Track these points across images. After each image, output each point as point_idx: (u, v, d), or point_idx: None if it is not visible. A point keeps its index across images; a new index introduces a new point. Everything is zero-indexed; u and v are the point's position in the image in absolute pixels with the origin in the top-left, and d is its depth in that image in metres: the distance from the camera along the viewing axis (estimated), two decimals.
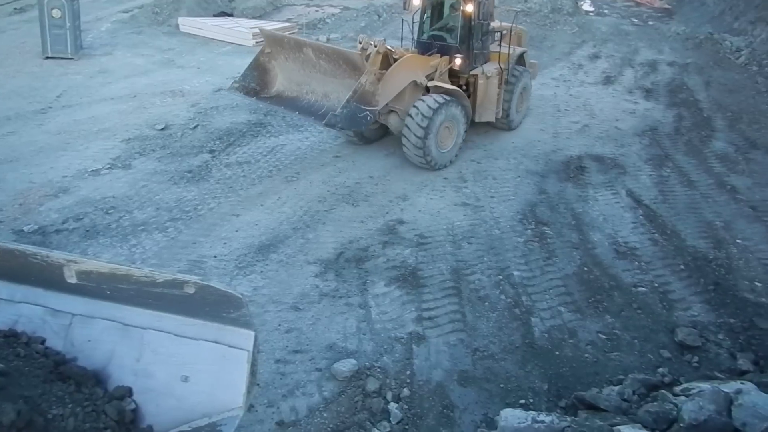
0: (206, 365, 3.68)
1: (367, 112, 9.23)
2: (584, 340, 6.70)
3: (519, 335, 6.71)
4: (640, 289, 7.60)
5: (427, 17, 11.52)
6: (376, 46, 9.79)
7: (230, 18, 21.77)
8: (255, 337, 3.74)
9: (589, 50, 19.96)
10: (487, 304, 7.19)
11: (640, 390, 5.87)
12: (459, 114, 10.61)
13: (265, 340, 6.37)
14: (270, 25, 20.30)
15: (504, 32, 11.96)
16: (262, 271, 7.54)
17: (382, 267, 7.78)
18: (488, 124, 12.01)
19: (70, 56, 15.66)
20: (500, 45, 11.72)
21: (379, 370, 6.06)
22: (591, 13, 25.80)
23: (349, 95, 8.89)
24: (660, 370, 6.21)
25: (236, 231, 8.39)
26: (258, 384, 5.74)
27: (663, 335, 6.81)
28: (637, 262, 8.15)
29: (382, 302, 7.09)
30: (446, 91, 10.55)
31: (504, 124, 12.33)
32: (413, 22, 11.46)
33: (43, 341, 3.67)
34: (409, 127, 10.01)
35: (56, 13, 15.27)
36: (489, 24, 11.60)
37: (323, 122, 8.78)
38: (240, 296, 3.61)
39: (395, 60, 10.08)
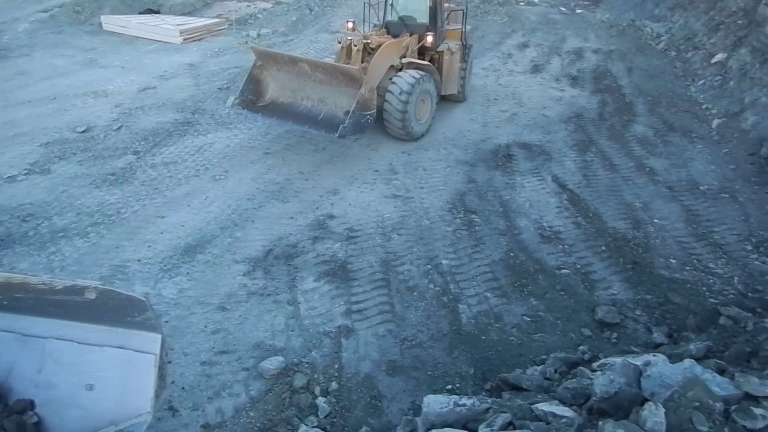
0: (112, 372, 3.61)
1: (368, 116, 10.18)
2: (510, 323, 6.87)
3: (447, 322, 6.82)
4: (564, 271, 7.83)
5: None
6: (356, 45, 11.15)
7: (157, 15, 21.19)
8: (162, 339, 3.69)
9: (519, 39, 20.35)
10: (415, 293, 7.27)
11: (561, 368, 6.08)
12: (432, 88, 11.62)
13: (190, 342, 6.29)
14: (199, 22, 19.91)
15: (462, 10, 13.35)
16: (188, 273, 7.40)
17: (312, 262, 7.77)
18: (442, 98, 12.90)
19: None
20: (463, 23, 13.30)
21: (307, 365, 6.06)
22: (521, 3, 26.29)
23: (354, 107, 9.76)
24: (581, 347, 6.44)
25: (161, 233, 8.21)
26: (183, 388, 5.69)
27: (584, 314, 7.05)
28: (560, 246, 8.40)
29: (311, 298, 7.08)
30: (419, 67, 11.55)
31: (461, 96, 13.68)
32: (371, 5, 12.37)
33: None
34: (390, 103, 10.89)
35: None
36: (446, 4, 12.92)
37: (337, 135, 9.61)
38: (143, 299, 3.55)
39: (372, 48, 11.24)
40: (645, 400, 4.82)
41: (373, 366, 6.14)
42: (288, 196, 9.36)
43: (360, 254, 8.00)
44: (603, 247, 8.35)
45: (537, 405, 4.92)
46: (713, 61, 15.60)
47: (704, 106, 13.85)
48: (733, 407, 4.38)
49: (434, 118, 12.15)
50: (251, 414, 5.47)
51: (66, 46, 17.16)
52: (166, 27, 18.67)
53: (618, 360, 5.33)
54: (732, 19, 16.44)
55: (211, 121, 12.18)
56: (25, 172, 9.70)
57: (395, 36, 11.97)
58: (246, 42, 11.16)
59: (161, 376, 3.64)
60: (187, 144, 11.08)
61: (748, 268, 7.84)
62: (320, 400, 5.63)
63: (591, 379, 5.35)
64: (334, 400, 5.70)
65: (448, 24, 13.15)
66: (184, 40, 18.27)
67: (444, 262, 7.91)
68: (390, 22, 12.46)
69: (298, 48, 18.10)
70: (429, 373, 6.11)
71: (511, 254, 8.17)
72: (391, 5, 12.48)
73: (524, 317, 6.98)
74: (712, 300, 7.08)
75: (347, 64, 11.13)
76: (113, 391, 3.55)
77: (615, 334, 6.73)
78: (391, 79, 11.07)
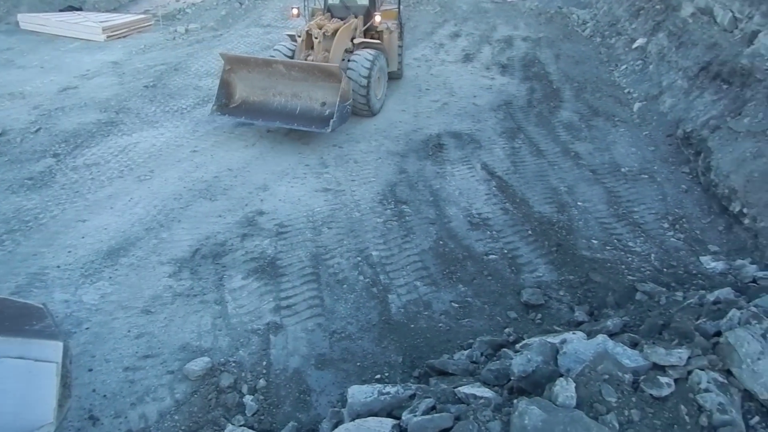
0: (11, 383, 3.49)
1: (347, 106, 10.99)
2: (438, 310, 6.97)
3: (376, 313, 6.87)
4: (491, 256, 7.99)
5: None
6: (317, 38, 11.53)
7: (78, 12, 20.41)
8: (65, 347, 3.58)
9: (450, 29, 20.56)
10: (345, 286, 7.29)
11: (487, 351, 6.21)
12: (384, 65, 12.52)
13: (113, 348, 6.13)
14: (123, 18, 19.30)
15: None
16: (110, 277, 7.20)
17: (240, 260, 7.68)
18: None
19: None
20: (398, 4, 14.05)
21: (234, 364, 6.00)
22: None
23: (338, 101, 10.45)
24: (506, 330, 6.60)
25: (82, 237, 7.95)
26: (105, 396, 5.55)
27: (511, 298, 7.22)
28: (489, 232, 8.56)
29: (239, 296, 7.01)
30: (370, 46, 12.30)
31: (400, 72, 14.38)
32: None
33: None
34: (355, 82, 11.50)
35: None
36: None
37: (329, 130, 10.37)
38: (41, 306, 3.46)
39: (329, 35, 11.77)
40: (561, 377, 5.00)
41: (301, 361, 6.14)
42: (216, 194, 9.21)
43: (290, 249, 7.95)
44: (529, 232, 8.56)
45: (459, 388, 5.02)
46: (634, 46, 16.15)
47: (626, 90, 14.33)
48: (642, 377, 4.58)
49: None
50: (176, 417, 5.38)
51: None
52: (88, 24, 18.04)
53: (536, 340, 5.49)
54: (651, 5, 17.07)
55: (137, 120, 11.85)
56: None
57: (341, 18, 12.43)
58: (221, 54, 11.24)
59: (65, 384, 3.55)
60: (110, 144, 10.76)
61: (664, 245, 8.18)
62: (247, 399, 5.59)
63: (512, 359, 5.49)
64: (261, 397, 5.66)
65: (382, 3, 13.71)
66: (108, 37, 17.68)
67: (374, 253, 7.95)
68: (332, 5, 12.93)
69: (229, 43, 17.79)
70: (358, 364, 6.15)
71: (441, 242, 8.28)
72: None
73: (452, 304, 7.09)
74: (630, 277, 7.35)
75: (309, 54, 11.72)
76: (12, 404, 3.43)
77: (539, 315, 6.92)
78: (347, 60, 11.79)
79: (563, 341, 5.35)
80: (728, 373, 4.75)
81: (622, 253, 8.00)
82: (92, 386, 5.64)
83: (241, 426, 5.28)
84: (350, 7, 12.88)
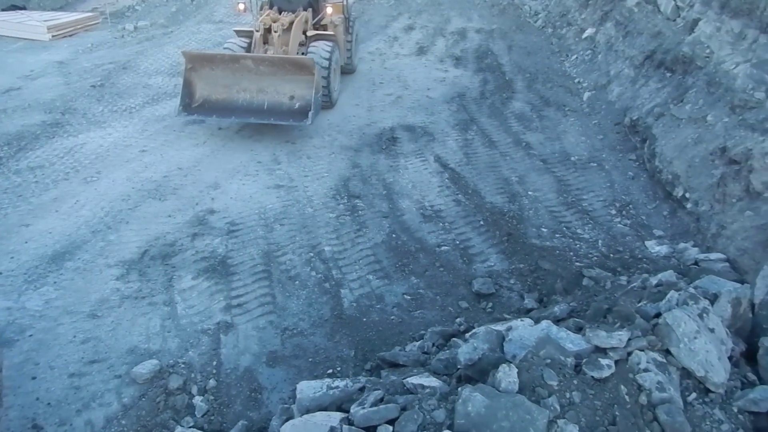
0: None
1: (320, 97, 11.04)
2: (391, 303, 7.00)
3: (328, 308, 6.86)
4: (444, 248, 8.05)
5: None
6: (276, 31, 11.40)
7: (22, 11, 19.79)
8: None
9: (405, 22, 20.58)
10: (297, 282, 7.26)
11: (438, 341, 6.27)
12: (339, 57, 12.64)
13: (57, 355, 5.99)
14: (69, 17, 18.80)
15: None
16: (55, 282, 7.03)
17: (190, 260, 7.58)
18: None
19: None
20: None
21: (183, 366, 5.92)
22: None
23: (314, 93, 10.43)
24: (458, 320, 6.66)
25: (25, 242, 7.74)
26: (49, 404, 5.43)
27: (462, 288, 7.29)
28: (441, 224, 8.62)
29: (189, 296, 6.92)
30: (324, 38, 12.27)
31: (349, 67, 14.35)
32: None
33: None
34: None
35: None
36: None
37: (309, 123, 10.40)
38: None
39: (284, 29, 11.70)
40: (504, 363, 5.08)
41: (253, 359, 6.10)
42: (166, 194, 9.06)
43: (241, 248, 7.88)
44: (481, 222, 8.65)
45: (408, 378, 5.06)
46: (584, 36, 16.43)
47: (577, 80, 14.58)
48: (584, 360, 4.68)
49: None
50: (123, 422, 5.29)
51: None
52: (32, 23, 17.51)
53: (483, 328, 5.57)
54: None
55: (83, 121, 11.57)
56: None
57: (289, 12, 12.32)
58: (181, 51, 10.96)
59: None
60: (55, 146, 10.48)
61: (611, 231, 8.36)
62: (197, 400, 5.54)
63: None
64: (212, 397, 5.61)
65: None
66: (53, 36, 17.20)
67: (327, 248, 7.94)
68: None
69: (180, 40, 17.50)
70: (310, 360, 6.14)
71: (394, 236, 8.30)
72: None
73: (405, 296, 7.13)
74: (577, 264, 7.49)
75: (267, 49, 11.64)
76: None
77: (490, 304, 7.01)
78: (303, 53, 11.82)
79: (509, 328, 5.44)
80: (667, 352, 4.90)
81: (571, 240, 8.15)
82: (36, 394, 5.52)
83: (190, 427, 5.23)
84: (292, 1, 12.73)
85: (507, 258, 7.85)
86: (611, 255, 7.74)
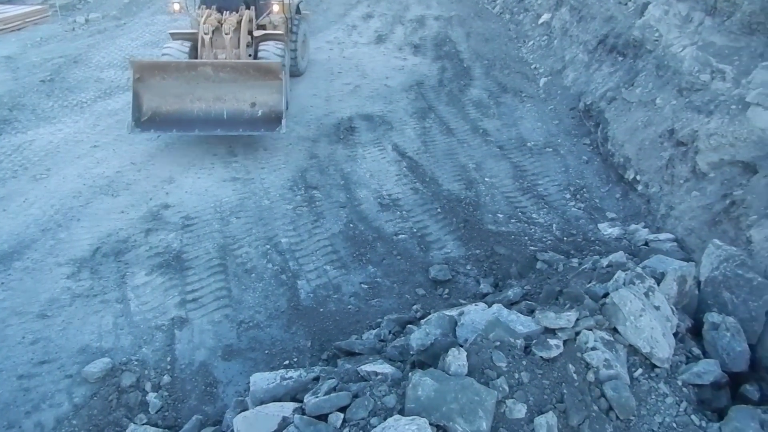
0: None
1: (286, 97, 10.33)
2: (348, 292, 7.01)
3: (285, 300, 6.83)
4: (401, 236, 8.08)
5: None
6: (227, 33, 10.83)
7: None
8: None
9: (363, 10, 20.48)
10: (253, 275, 7.21)
11: (395, 329, 6.30)
12: (288, 57, 11.88)
13: (5, 357, 5.86)
14: (16, 10, 18.21)
15: None
16: (2, 283, 6.85)
17: (144, 256, 7.46)
18: None
19: None
20: None
21: (136, 363, 5.84)
22: None
23: (285, 96, 10.01)
24: (414, 307, 6.70)
25: None
26: None
27: (419, 275, 7.33)
28: (399, 212, 8.64)
29: (143, 293, 6.82)
30: (275, 38, 11.58)
31: (295, 70, 13.36)
32: None
33: None
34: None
35: None
36: None
37: (283, 130, 9.74)
38: None
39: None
40: (461, 347, 5.13)
41: (208, 353, 6.05)
42: (118, 190, 8.89)
43: (196, 242, 7.79)
44: (438, 210, 8.69)
45: (362, 366, 5.07)
46: (540, 21, 16.58)
47: (533, 66, 14.73)
48: (534, 342, 4.75)
49: None
50: (74, 422, 5.20)
51: None
52: None
53: (435, 314, 5.61)
54: None
55: (32, 117, 11.26)
56: None
57: (228, 11, 11.40)
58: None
59: None
60: (3, 144, 10.19)
61: (566, 215, 8.49)
62: (151, 396, 5.48)
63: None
64: (166, 393, 5.56)
65: None
66: (0, 30, 16.64)
67: (283, 240, 7.89)
68: None
69: (133, 32, 17.13)
70: (266, 352, 6.11)
71: (351, 225, 8.30)
72: None
73: (362, 285, 7.14)
74: (532, 248, 7.60)
75: (218, 50, 10.97)
76: None
77: (447, 290, 7.06)
78: (250, 55, 11.20)
79: (461, 313, 5.50)
80: (614, 331, 5.01)
81: (526, 225, 8.25)
82: None
83: (143, 424, 5.17)
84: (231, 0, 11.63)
85: (463, 244, 7.91)
86: (565, 238, 7.86)
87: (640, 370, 4.82)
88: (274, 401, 4.87)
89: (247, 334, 6.31)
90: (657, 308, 5.12)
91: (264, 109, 9.98)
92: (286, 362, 5.97)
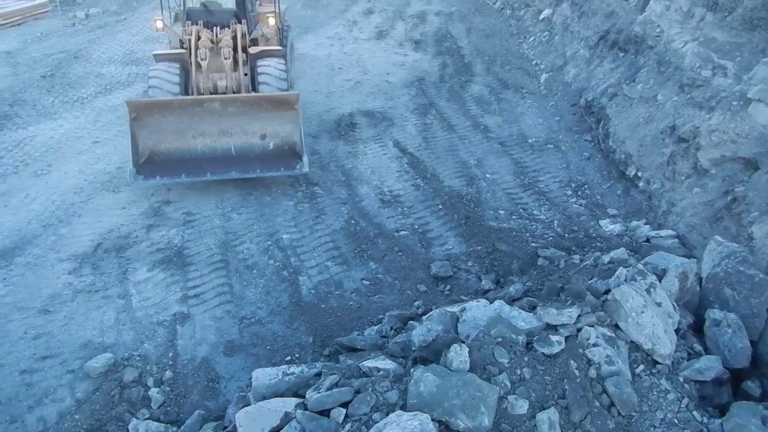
0: None
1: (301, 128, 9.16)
2: (349, 288, 7.02)
3: (286, 296, 6.84)
4: (402, 232, 8.08)
5: None
6: (227, 57, 9.76)
7: None
8: None
9: (364, 6, 20.44)
10: (255, 271, 7.22)
11: (396, 325, 6.31)
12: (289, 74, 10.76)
13: (8, 352, 5.88)
14: (16, 5, 18.20)
15: None
16: (4, 278, 6.86)
17: (146, 252, 7.47)
18: None
19: None
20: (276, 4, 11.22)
21: (138, 358, 5.86)
22: None
23: (300, 130, 8.92)
24: (416, 303, 6.71)
25: None
26: None
27: (421, 272, 7.34)
28: (400, 208, 8.64)
29: (144, 288, 6.83)
30: (270, 54, 10.37)
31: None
32: None
33: None
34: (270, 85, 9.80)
35: None
36: None
37: (305, 169, 8.79)
38: None
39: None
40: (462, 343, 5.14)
41: (210, 349, 6.06)
42: (120, 186, 8.90)
43: (198, 238, 7.80)
44: (439, 206, 8.69)
45: (363, 362, 5.09)
46: (541, 17, 16.56)
47: (534, 62, 14.71)
48: (535, 338, 4.77)
49: None
50: (77, 417, 5.22)
51: None
52: None
53: (437, 310, 5.62)
54: None
55: (33, 113, 11.25)
56: None
57: (217, 27, 10.15)
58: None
59: None
60: (4, 140, 10.18)
61: (567, 212, 8.49)
62: (153, 391, 5.49)
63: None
64: (168, 389, 5.57)
65: (260, 5, 11.80)
66: (0, 25, 16.62)
67: (285, 236, 7.90)
68: (192, 9, 10.40)
69: (133, 28, 17.10)
70: (268, 347, 6.12)
71: (352, 222, 8.30)
72: None
73: (363, 281, 7.14)
74: (533, 244, 7.60)
75: (214, 74, 9.91)
76: None
77: (448, 287, 7.07)
78: (246, 74, 10.14)
79: (463, 309, 5.50)
80: (616, 327, 5.02)
81: (527, 221, 8.25)
82: None
83: (146, 419, 5.19)
84: (214, 12, 10.45)
85: (465, 241, 7.91)
86: (566, 235, 7.87)
87: (641, 367, 4.83)
88: (276, 397, 4.89)
89: (248, 329, 6.32)
90: (658, 305, 5.12)
91: (276, 140, 8.99)
92: (288, 358, 5.98)
